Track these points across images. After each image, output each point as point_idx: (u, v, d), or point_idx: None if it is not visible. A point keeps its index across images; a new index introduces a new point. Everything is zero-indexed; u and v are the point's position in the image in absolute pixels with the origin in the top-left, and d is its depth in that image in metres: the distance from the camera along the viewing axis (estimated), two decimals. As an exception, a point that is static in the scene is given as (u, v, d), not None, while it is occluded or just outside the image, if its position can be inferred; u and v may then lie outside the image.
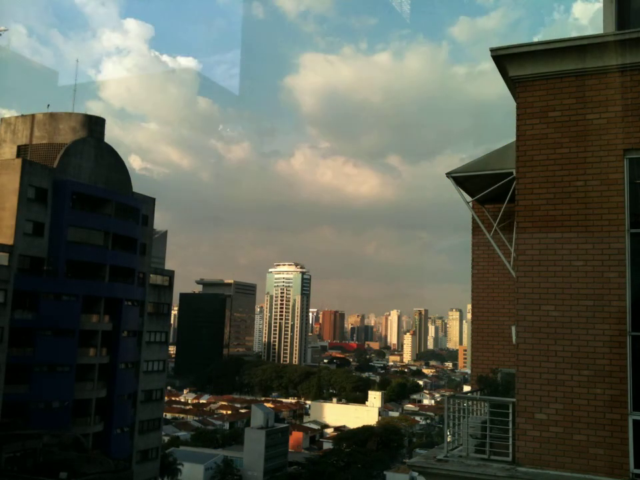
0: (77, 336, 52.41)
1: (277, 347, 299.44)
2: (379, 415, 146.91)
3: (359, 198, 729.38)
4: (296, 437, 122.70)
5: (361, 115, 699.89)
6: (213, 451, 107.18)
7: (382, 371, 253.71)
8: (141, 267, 59.72)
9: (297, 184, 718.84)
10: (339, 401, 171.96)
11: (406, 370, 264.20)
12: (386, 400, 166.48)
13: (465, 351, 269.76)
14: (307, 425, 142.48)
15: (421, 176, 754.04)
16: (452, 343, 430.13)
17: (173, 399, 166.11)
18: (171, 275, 66.93)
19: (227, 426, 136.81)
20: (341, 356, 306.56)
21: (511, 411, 9.96)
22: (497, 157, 12.15)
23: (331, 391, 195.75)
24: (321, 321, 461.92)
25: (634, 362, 9.12)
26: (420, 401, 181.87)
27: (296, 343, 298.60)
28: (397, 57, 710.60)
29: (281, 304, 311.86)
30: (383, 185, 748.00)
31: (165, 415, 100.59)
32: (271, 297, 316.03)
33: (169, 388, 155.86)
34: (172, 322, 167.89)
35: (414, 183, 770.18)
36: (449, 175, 12.37)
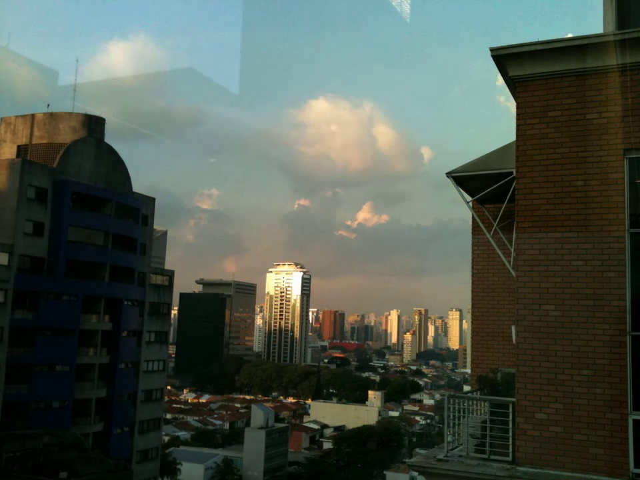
0: (77, 336, 52.38)
1: (276, 346, 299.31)
2: (379, 414, 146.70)
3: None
4: (296, 436, 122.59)
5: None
6: (213, 450, 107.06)
7: (382, 371, 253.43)
8: (140, 266, 59.71)
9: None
10: (338, 401, 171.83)
11: (406, 370, 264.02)
12: (386, 400, 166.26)
13: (465, 350, 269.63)
14: (307, 424, 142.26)
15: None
16: (452, 343, 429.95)
17: (173, 398, 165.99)
18: (170, 274, 66.90)
19: (227, 426, 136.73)
20: (341, 356, 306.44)
21: (510, 410, 9.96)
22: (496, 156, 12.14)
23: (331, 390, 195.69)
24: (321, 321, 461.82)
25: (634, 362, 9.12)
26: (420, 401, 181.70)
27: (296, 342, 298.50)
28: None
29: (281, 304, 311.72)
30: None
31: (165, 415, 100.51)
32: (271, 296, 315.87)
33: (168, 388, 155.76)
34: (172, 322, 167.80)
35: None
36: (449, 174, 12.36)
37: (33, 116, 58.32)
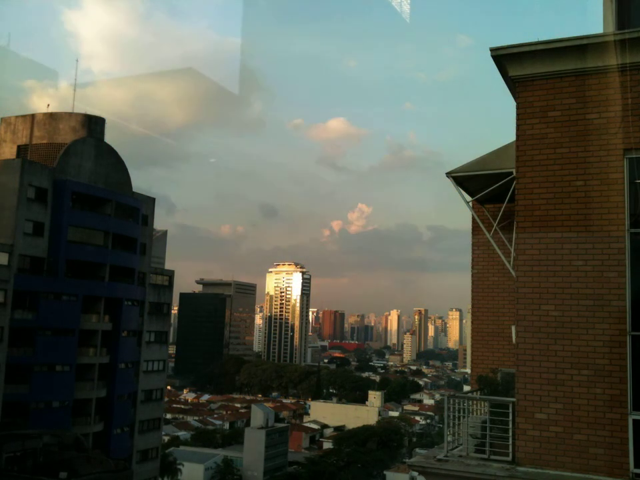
0: (77, 336, 52.38)
1: (276, 346, 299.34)
2: (379, 414, 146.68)
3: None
4: (296, 437, 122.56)
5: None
6: (213, 450, 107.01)
7: (382, 371, 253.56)
8: (140, 266, 59.70)
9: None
10: (338, 401, 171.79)
11: (406, 370, 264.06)
12: (386, 400, 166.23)
13: (465, 350, 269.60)
14: (307, 425, 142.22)
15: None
16: (452, 343, 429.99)
17: (173, 398, 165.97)
18: (170, 274, 66.87)
19: (227, 426, 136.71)
20: (341, 356, 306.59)
21: (510, 410, 9.96)
22: (496, 156, 12.14)
23: (330, 390, 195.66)
24: (321, 321, 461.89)
25: (634, 362, 9.12)
26: (420, 401, 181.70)
27: (296, 342, 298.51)
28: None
29: (281, 304, 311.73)
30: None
31: (165, 415, 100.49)
32: (271, 296, 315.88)
33: (168, 388, 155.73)
34: (172, 322, 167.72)
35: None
36: (448, 174, 12.36)
37: (33, 116, 58.36)
